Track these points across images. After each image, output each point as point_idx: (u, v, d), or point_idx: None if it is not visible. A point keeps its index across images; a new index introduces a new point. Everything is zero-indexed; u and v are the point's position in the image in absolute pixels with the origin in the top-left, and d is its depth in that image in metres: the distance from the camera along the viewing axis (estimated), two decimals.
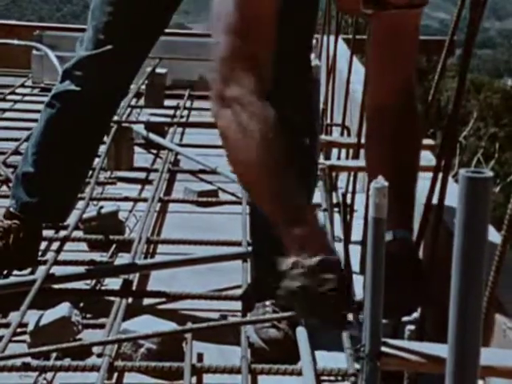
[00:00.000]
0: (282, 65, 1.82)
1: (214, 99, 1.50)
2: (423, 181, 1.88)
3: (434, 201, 1.58)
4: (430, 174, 1.64)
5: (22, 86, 4.40)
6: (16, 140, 3.20)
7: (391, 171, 1.53)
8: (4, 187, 2.74)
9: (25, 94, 4.27)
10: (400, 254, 1.47)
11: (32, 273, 2.12)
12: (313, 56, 2.23)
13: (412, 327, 1.14)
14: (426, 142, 2.28)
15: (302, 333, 1.77)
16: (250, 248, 2.25)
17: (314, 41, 2.41)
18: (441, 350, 0.99)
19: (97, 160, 2.94)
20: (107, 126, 2.33)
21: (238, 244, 2.29)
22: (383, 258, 1.02)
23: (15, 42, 4.62)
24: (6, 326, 1.80)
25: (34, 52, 4.42)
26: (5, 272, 2.06)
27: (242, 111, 1.46)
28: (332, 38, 3.10)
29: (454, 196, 0.74)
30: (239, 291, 2.02)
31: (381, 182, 1.04)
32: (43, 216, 2.14)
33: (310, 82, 1.94)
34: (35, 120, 3.51)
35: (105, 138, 3.13)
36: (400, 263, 1.45)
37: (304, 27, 1.87)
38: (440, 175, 1.55)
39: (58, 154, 2.07)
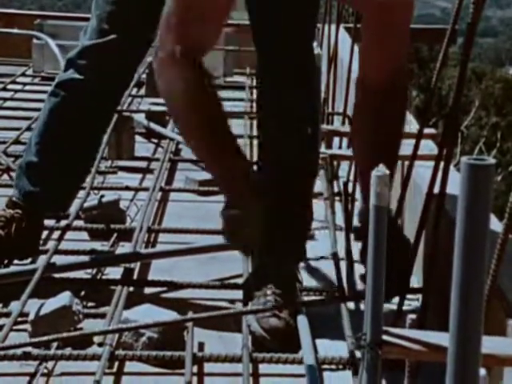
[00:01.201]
0: (284, 54, 1.81)
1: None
2: (425, 170, 1.88)
3: (436, 190, 1.57)
4: (431, 163, 1.63)
5: (23, 75, 4.38)
6: (17, 129, 3.19)
7: (373, 137, 1.69)
8: (5, 176, 2.73)
9: (25, 83, 4.25)
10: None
11: (33, 262, 2.11)
12: (314, 45, 2.22)
13: (413, 316, 1.14)
14: (428, 131, 2.27)
15: (302, 321, 1.76)
16: None
17: (316, 30, 2.39)
18: (442, 338, 0.99)
19: None
20: (111, 115, 2.32)
21: None
22: (384, 246, 1.02)
23: (15, 31, 4.61)
24: (7, 315, 1.80)
25: (35, 41, 4.41)
26: (6, 261, 2.06)
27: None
28: (333, 26, 3.09)
29: (455, 185, 0.74)
30: (240, 280, 2.02)
31: (382, 170, 1.03)
32: (46, 205, 2.13)
33: (312, 71, 1.94)
34: (36, 109, 3.52)
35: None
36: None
37: (306, 16, 1.86)
38: (442, 164, 1.55)
39: (62, 144, 2.07)
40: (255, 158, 3.08)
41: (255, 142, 3.33)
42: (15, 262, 2.08)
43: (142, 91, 4.13)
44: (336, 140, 2.91)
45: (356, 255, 2.11)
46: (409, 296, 1.75)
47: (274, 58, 1.89)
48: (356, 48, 2.85)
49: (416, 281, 1.97)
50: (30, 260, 2.12)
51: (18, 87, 4.16)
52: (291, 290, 1.84)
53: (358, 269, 2.01)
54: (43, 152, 2.06)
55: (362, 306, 1.88)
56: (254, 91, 4.28)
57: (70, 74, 2.03)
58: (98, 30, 1.99)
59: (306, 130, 1.91)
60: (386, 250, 1.32)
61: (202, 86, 1.69)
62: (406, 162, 2.01)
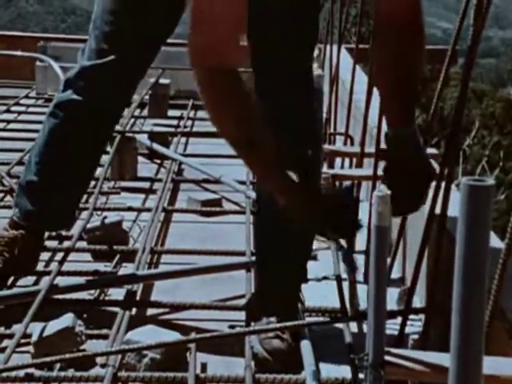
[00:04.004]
0: (283, 76, 1.82)
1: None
2: None
3: (438, 209, 1.58)
4: (433, 183, 1.64)
5: (26, 97, 4.41)
6: (20, 151, 3.20)
7: (393, 74, 1.71)
8: (8, 197, 2.74)
9: (29, 105, 4.28)
10: (405, 151, 1.65)
11: (36, 284, 2.12)
12: (316, 65, 2.24)
13: (416, 336, 1.14)
14: (430, 151, 2.28)
15: (305, 342, 1.76)
16: (253, 258, 2.25)
17: (317, 50, 2.41)
18: (444, 358, 0.99)
19: (100, 170, 2.96)
20: (110, 135, 2.33)
21: (242, 254, 2.28)
22: (386, 267, 1.02)
23: (19, 53, 4.64)
24: (10, 336, 1.80)
25: (38, 63, 4.43)
26: (8, 281, 2.06)
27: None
28: (335, 47, 3.11)
29: (457, 204, 0.74)
30: (243, 301, 2.02)
31: (383, 190, 1.04)
32: (46, 224, 2.14)
33: (312, 92, 1.94)
34: (39, 131, 3.54)
35: (108, 148, 3.15)
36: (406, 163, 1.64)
37: (305, 38, 1.87)
38: (443, 184, 1.55)
39: (62, 163, 2.08)
40: None
41: None
42: (18, 283, 2.08)
43: (145, 112, 4.15)
44: (338, 160, 2.92)
45: (359, 275, 2.11)
46: (411, 316, 1.75)
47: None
48: (358, 68, 2.87)
49: (418, 301, 1.97)
50: (32, 281, 2.12)
51: (22, 109, 4.18)
52: (293, 311, 1.84)
53: (361, 289, 2.01)
54: (43, 172, 2.08)
55: (364, 326, 1.88)
56: None
57: (68, 94, 2.04)
58: (96, 50, 1.99)
59: (308, 151, 1.90)
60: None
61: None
62: None
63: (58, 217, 2.14)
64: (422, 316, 1.78)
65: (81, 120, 2.04)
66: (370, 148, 2.43)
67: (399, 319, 1.65)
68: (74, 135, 2.06)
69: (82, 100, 2.02)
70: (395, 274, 2.21)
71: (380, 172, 2.17)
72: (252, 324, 1.85)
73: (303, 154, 1.79)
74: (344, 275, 2.09)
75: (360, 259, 2.18)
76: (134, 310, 1.97)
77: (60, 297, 2.01)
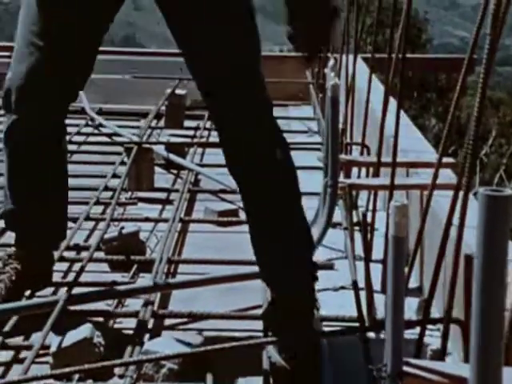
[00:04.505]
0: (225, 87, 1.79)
1: None
2: (444, 199, 1.87)
3: (455, 219, 1.57)
4: (450, 193, 1.63)
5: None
6: None
7: None
8: None
9: None
10: None
11: (54, 294, 2.13)
12: (332, 75, 2.24)
13: (434, 347, 1.13)
14: (447, 160, 2.27)
15: (323, 352, 1.76)
16: None
17: (333, 60, 2.40)
18: (463, 369, 0.98)
19: (118, 181, 2.98)
20: (58, 146, 2.09)
21: None
22: (404, 276, 1.02)
23: None
24: (29, 347, 1.81)
25: None
26: (26, 291, 2.07)
27: None
28: (351, 56, 3.11)
29: (475, 214, 0.74)
30: (260, 311, 2.02)
31: (400, 200, 1.04)
32: (41, 241, 2.11)
33: (261, 102, 1.86)
34: None
35: (125, 159, 3.17)
36: None
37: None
38: (461, 193, 1.55)
39: (25, 184, 2.04)
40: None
41: None
42: (36, 294, 2.09)
43: (162, 123, 4.17)
44: (354, 170, 2.91)
45: (376, 285, 2.11)
46: (429, 326, 1.75)
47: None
48: (374, 78, 2.87)
49: (437, 311, 1.96)
50: (51, 292, 2.13)
51: None
52: (309, 319, 1.83)
53: (378, 299, 2.01)
54: (16, 196, 2.04)
55: (382, 336, 1.87)
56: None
57: (8, 117, 1.98)
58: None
59: (276, 153, 1.86)
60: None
61: None
62: (425, 192, 2.01)
63: (48, 234, 2.11)
64: (440, 326, 1.77)
65: (21, 137, 1.98)
66: (386, 157, 2.43)
67: (417, 329, 1.65)
68: (24, 153, 2.00)
69: (17, 118, 1.95)
70: (413, 283, 2.20)
71: (397, 182, 2.17)
72: (269, 333, 1.84)
73: None
74: (361, 284, 2.09)
75: (377, 268, 2.18)
76: (151, 320, 1.98)
77: (78, 307, 2.02)
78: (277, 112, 5.30)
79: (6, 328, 1.89)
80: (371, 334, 1.90)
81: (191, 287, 2.15)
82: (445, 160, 2.01)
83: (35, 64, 1.88)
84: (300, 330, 1.76)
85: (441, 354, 1.39)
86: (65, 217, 2.17)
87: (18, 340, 1.89)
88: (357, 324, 1.92)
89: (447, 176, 2.26)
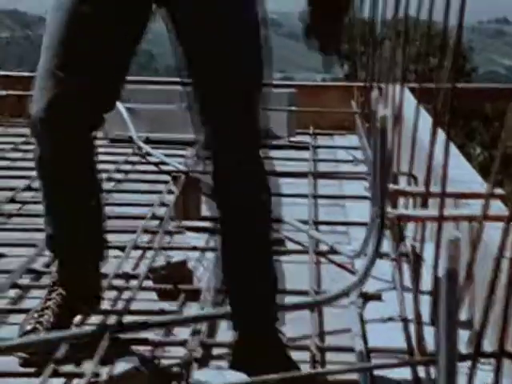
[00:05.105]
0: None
1: None
2: (495, 231, 1.86)
3: (507, 252, 1.56)
4: (501, 224, 1.62)
5: (94, 138, 4.50)
6: None
7: None
8: None
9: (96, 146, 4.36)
10: None
11: (104, 322, 2.14)
12: (381, 106, 2.25)
13: (489, 382, 1.12)
14: (497, 190, 2.25)
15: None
16: (317, 297, 2.24)
17: (378, 90, 2.42)
18: None
19: (165, 209, 3.01)
20: (87, 170, 2.10)
21: (305, 293, 2.29)
22: (457, 310, 1.01)
23: None
24: (80, 375, 1.82)
25: None
26: (76, 320, 2.08)
27: None
28: (398, 86, 3.11)
29: None
30: (307, 341, 2.02)
31: (454, 234, 1.04)
32: (80, 263, 2.09)
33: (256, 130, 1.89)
34: (106, 170, 3.62)
35: (173, 188, 3.20)
36: None
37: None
38: None
39: (59, 208, 2.04)
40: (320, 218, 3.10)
41: (319, 201, 3.36)
42: (87, 321, 2.11)
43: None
44: (402, 200, 2.90)
45: (425, 317, 2.09)
46: (482, 360, 1.72)
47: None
48: (422, 109, 2.86)
49: (489, 345, 1.94)
50: (100, 320, 2.16)
51: None
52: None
53: (427, 330, 1.99)
54: (53, 223, 2.05)
55: (432, 370, 1.85)
56: (318, 150, 4.32)
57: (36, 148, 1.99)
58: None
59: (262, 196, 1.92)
60: None
61: None
62: (475, 223, 1.99)
63: (87, 255, 2.09)
64: (492, 360, 1.74)
65: (49, 166, 1.98)
66: (434, 187, 2.42)
67: (468, 363, 1.63)
68: (55, 181, 2.01)
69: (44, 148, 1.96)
70: (463, 315, 2.17)
71: (446, 212, 2.15)
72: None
73: None
74: (409, 315, 2.07)
75: (425, 299, 2.16)
76: (199, 350, 1.98)
77: (127, 336, 2.03)
78: (322, 141, 5.31)
79: (58, 355, 1.92)
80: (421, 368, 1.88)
81: None
82: (495, 191, 2.00)
83: (58, 95, 1.88)
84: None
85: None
86: (102, 237, 2.17)
87: (69, 368, 1.91)
88: (406, 356, 1.91)
89: (497, 207, 2.24)
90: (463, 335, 2.05)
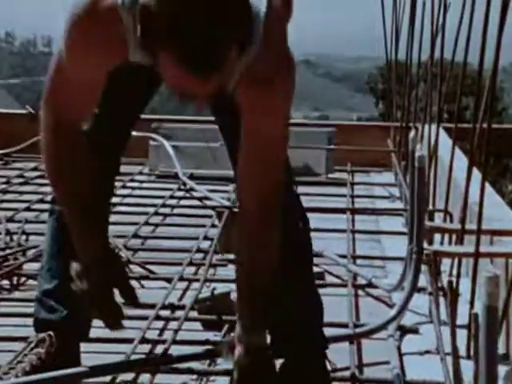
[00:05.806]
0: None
1: None
2: None
3: None
4: None
5: (140, 173, 4.68)
6: (135, 224, 3.40)
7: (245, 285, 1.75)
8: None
9: (142, 181, 4.54)
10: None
11: (150, 352, 2.21)
12: (418, 146, 2.34)
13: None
14: None
15: None
16: (356, 330, 2.30)
17: (414, 131, 2.49)
18: None
19: (208, 243, 3.10)
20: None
21: (345, 325, 2.34)
22: (496, 346, 1.07)
23: (135, 133, 4.90)
24: None
25: (151, 142, 4.71)
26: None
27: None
28: (433, 126, 3.19)
29: None
30: (347, 373, 2.07)
31: (492, 270, 1.10)
32: (70, 331, 1.99)
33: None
34: (152, 205, 3.74)
35: (217, 222, 3.29)
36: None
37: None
38: None
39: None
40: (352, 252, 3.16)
41: (357, 236, 3.43)
42: (135, 351, 2.17)
43: None
44: (438, 236, 2.96)
45: (461, 350, 2.14)
46: None
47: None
48: (456, 148, 2.94)
49: None
50: (148, 350, 2.22)
51: (136, 185, 4.42)
52: None
53: (464, 364, 2.04)
54: (55, 275, 1.97)
55: None
56: (355, 187, 4.40)
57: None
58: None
59: (298, 224, 1.96)
60: None
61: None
62: (511, 260, 2.05)
63: (81, 321, 1.99)
64: None
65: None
66: (469, 225, 2.48)
67: None
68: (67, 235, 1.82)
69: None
70: (499, 350, 2.22)
71: (482, 249, 2.22)
72: None
73: None
74: (446, 349, 2.12)
75: (461, 333, 2.21)
76: None
77: (174, 366, 2.08)
78: (360, 178, 5.39)
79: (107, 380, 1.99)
80: None
81: None
82: None
83: None
84: None
85: None
86: None
87: None
88: None
89: None
90: (500, 370, 2.10)
